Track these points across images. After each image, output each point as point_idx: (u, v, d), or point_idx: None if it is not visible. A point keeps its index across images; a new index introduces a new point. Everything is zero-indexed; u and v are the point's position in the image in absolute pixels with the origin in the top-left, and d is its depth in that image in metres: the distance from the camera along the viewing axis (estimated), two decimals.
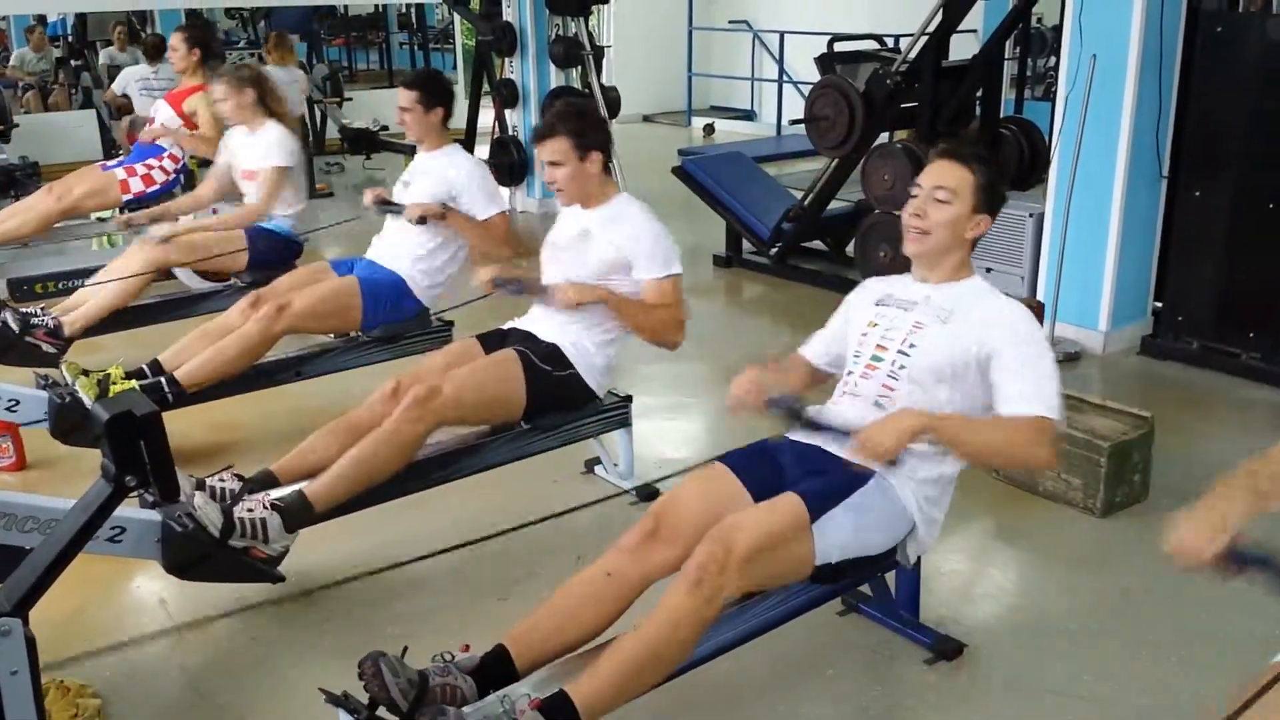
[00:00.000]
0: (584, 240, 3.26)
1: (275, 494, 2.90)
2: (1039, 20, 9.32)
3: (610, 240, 3.21)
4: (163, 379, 3.69)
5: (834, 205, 6.46)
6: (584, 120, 3.23)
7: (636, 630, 2.13)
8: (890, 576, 2.78)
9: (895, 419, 2.25)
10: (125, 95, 8.29)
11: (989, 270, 5.28)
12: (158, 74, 7.92)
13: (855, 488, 2.35)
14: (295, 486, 2.95)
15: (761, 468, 2.48)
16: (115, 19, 11.04)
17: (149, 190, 5.56)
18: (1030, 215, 5.19)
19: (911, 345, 2.44)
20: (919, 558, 2.60)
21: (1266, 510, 1.71)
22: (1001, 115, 6.13)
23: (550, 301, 3.20)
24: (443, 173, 3.97)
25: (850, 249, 6.25)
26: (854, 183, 6.16)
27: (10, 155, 7.59)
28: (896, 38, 7.89)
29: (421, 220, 3.89)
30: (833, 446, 2.40)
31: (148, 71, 8.20)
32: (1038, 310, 4.40)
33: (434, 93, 4.01)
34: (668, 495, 2.46)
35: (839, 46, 6.89)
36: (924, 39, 5.74)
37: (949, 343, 2.40)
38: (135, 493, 1.96)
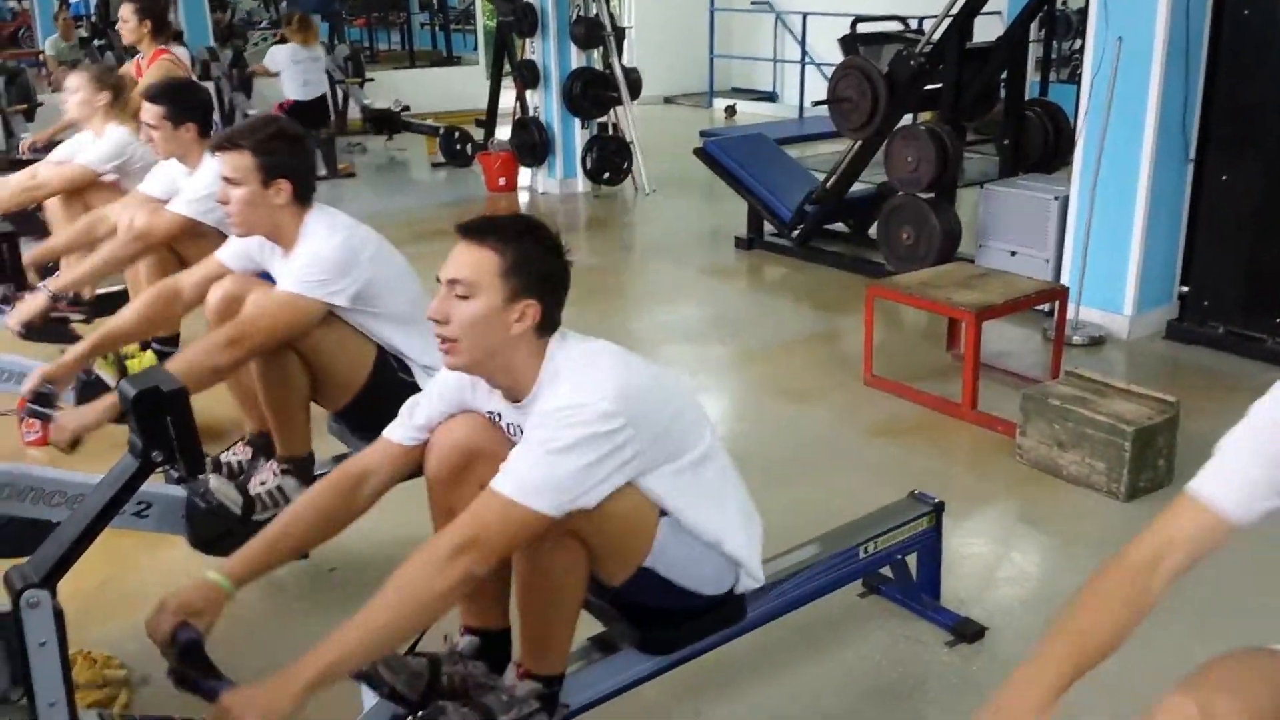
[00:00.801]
0: None
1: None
2: (1064, 2, 9.25)
3: None
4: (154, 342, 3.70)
5: (856, 187, 6.43)
6: (279, 140, 2.74)
7: (516, 575, 2.02)
8: (911, 559, 2.78)
9: (269, 694, 1.69)
10: None
11: (1013, 254, 5.26)
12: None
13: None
14: None
15: None
16: None
17: None
18: (1055, 199, 5.15)
19: None
20: (934, 537, 2.58)
21: (1086, 671, 1.52)
22: (1026, 98, 6.08)
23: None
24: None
25: (872, 231, 6.23)
26: (877, 165, 6.13)
27: (34, 133, 7.61)
28: (920, 19, 7.85)
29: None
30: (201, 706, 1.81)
31: None
32: (1062, 295, 4.38)
33: (182, 106, 3.63)
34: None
35: (862, 28, 6.85)
36: (948, 20, 5.69)
37: None
38: (160, 469, 1.98)
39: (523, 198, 8.40)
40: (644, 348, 3.62)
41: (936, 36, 5.76)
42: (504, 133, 8.78)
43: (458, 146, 9.36)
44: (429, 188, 9.06)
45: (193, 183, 3.61)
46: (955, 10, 5.67)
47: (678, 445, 2.02)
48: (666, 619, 2.17)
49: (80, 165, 4.30)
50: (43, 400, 2.79)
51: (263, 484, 2.81)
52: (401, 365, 2.89)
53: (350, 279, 2.72)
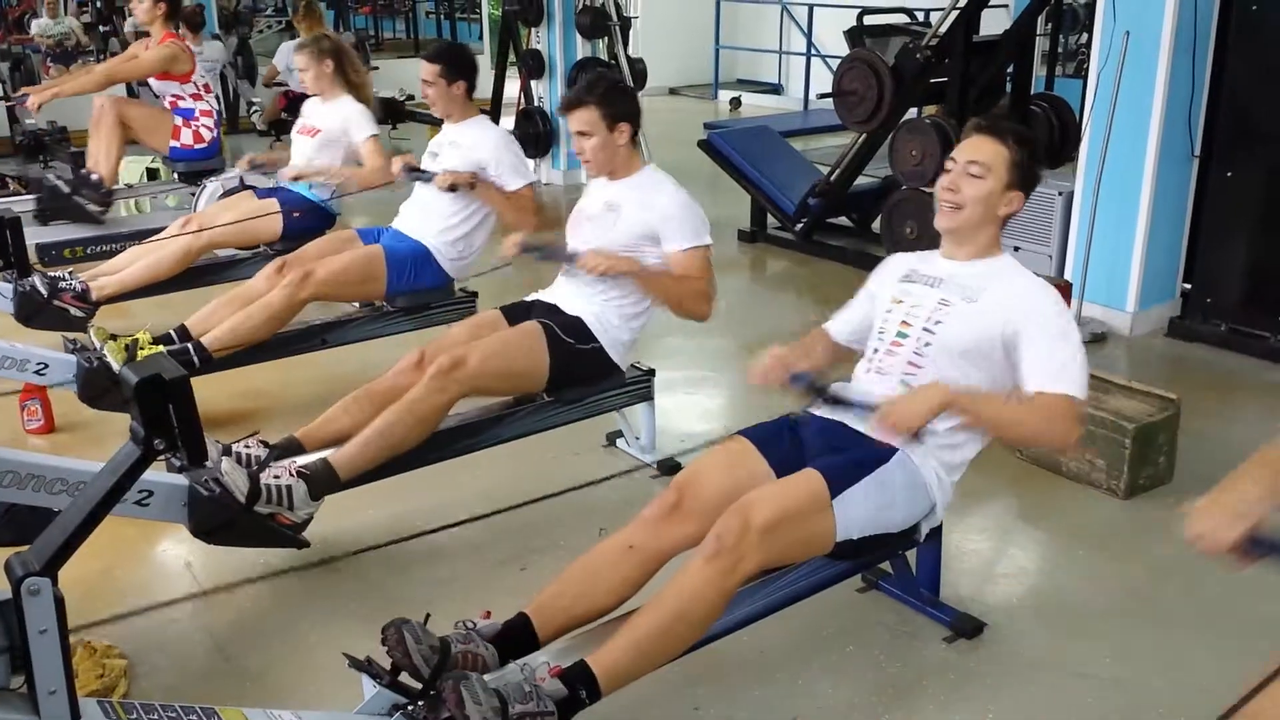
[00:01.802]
0: (612, 212, 3.24)
1: (301, 461, 2.92)
2: None
3: (638, 211, 3.20)
4: (190, 345, 3.72)
5: (860, 181, 6.42)
6: (613, 91, 3.23)
7: (656, 602, 2.13)
8: (911, 554, 2.78)
9: (922, 393, 2.27)
10: None
11: (1016, 249, 5.24)
12: (201, 53, 7.90)
13: (877, 464, 2.34)
14: (320, 454, 2.97)
15: (782, 443, 2.48)
16: None
17: (197, 146, 5.65)
18: (1060, 194, 5.15)
19: (937, 323, 2.43)
20: (933, 533, 2.60)
21: None
22: (1032, 92, 6.06)
23: (577, 267, 3.20)
24: (471, 145, 3.96)
25: (876, 225, 6.22)
26: (881, 158, 6.11)
27: (40, 120, 7.60)
28: (927, 12, 7.84)
29: (452, 188, 3.88)
30: (856, 422, 2.40)
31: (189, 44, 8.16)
32: (1065, 290, 4.37)
33: (456, 65, 3.98)
34: (689, 469, 2.46)
35: (869, 20, 6.86)
36: (955, 13, 5.67)
37: (975, 321, 2.40)
38: (162, 457, 1.98)
39: None
40: (645, 339, 3.61)
41: (943, 29, 5.74)
42: (508, 123, 8.75)
43: None
44: None
45: (500, 155, 3.99)
46: (962, 3, 5.65)
47: None
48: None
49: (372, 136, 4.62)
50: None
51: (275, 478, 2.81)
52: (580, 334, 3.24)
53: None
